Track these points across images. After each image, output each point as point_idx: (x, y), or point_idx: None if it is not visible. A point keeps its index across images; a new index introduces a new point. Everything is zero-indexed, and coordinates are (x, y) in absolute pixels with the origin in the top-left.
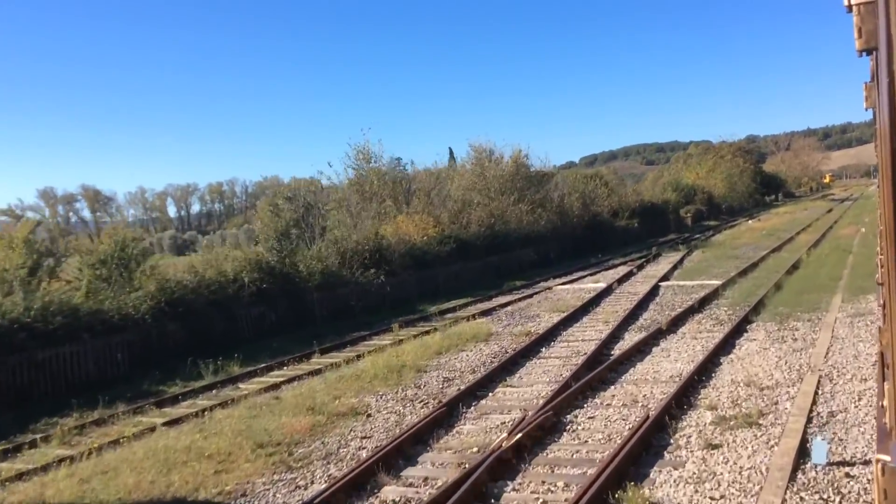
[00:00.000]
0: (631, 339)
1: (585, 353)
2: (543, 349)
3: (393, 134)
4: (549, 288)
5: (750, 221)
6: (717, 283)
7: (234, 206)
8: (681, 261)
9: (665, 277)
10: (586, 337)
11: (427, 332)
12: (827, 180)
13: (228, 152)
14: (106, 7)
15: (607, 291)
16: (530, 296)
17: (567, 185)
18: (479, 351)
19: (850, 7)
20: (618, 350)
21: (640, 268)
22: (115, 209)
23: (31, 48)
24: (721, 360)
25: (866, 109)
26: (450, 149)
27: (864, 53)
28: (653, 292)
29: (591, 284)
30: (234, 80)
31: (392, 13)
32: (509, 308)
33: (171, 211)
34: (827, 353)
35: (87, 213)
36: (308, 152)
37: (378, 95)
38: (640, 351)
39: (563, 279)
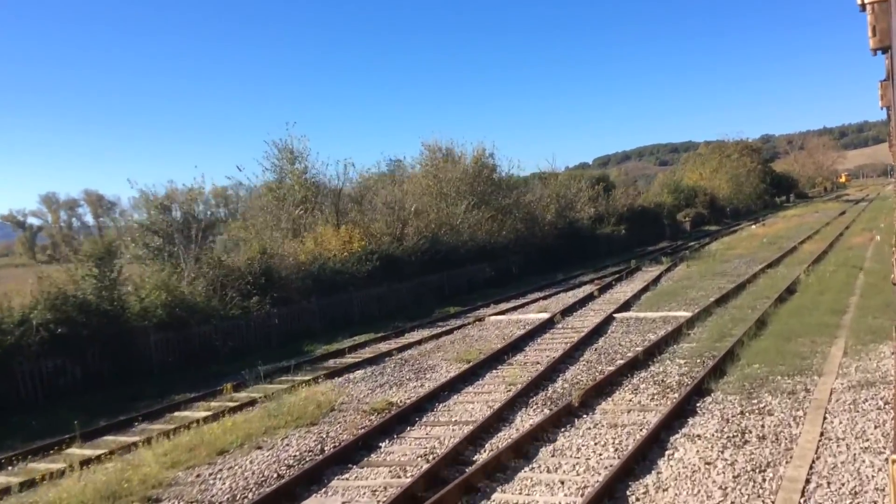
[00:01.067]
0: (524, 422)
1: (436, 457)
2: (385, 443)
3: (405, 140)
4: (481, 319)
5: (753, 226)
6: (685, 315)
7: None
8: (657, 279)
9: (626, 305)
10: (464, 416)
11: (250, 404)
12: (843, 180)
13: (234, 156)
14: (109, 14)
15: (546, 326)
16: (450, 331)
17: (547, 187)
18: (283, 447)
19: (863, 6)
20: (489, 450)
21: (607, 288)
22: (118, 214)
23: (34, 54)
24: (629, 491)
25: (881, 108)
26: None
27: (878, 52)
28: (599, 330)
29: (533, 315)
30: (239, 85)
31: (412, 18)
32: (408, 353)
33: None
34: (808, 480)
35: (89, 219)
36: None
37: (393, 98)
38: (522, 453)
39: (507, 304)
